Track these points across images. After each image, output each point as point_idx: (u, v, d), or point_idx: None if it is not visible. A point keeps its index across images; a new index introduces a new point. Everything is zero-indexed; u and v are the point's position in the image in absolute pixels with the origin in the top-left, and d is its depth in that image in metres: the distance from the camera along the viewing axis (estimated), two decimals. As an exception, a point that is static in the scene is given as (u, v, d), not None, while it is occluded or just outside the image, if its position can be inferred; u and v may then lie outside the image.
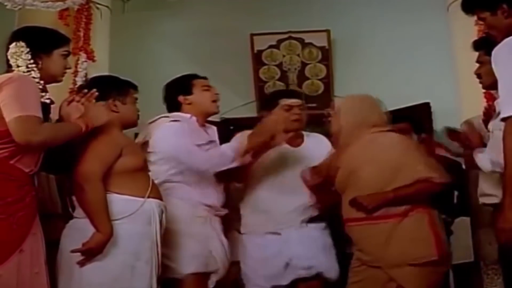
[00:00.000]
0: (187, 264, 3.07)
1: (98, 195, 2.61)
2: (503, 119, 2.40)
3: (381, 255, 3.03)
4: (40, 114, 2.44)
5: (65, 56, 2.72)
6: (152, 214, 2.73)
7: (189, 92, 3.32)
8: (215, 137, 3.38)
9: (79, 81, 4.47)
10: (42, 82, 2.57)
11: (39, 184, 2.74)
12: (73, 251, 2.57)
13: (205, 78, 3.43)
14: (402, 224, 3.03)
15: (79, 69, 4.58)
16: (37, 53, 2.60)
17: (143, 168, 2.83)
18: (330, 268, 3.38)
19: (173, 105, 3.34)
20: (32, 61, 2.57)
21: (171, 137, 3.15)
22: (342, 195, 3.21)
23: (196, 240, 3.12)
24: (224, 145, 3.25)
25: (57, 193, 3.16)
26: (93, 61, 4.74)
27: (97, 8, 4.92)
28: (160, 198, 2.83)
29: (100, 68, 4.72)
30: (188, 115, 3.28)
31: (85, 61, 4.65)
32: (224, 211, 3.31)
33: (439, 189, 3.01)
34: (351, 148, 3.18)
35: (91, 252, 2.58)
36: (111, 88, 2.91)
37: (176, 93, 3.33)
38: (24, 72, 2.54)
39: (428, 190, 3.03)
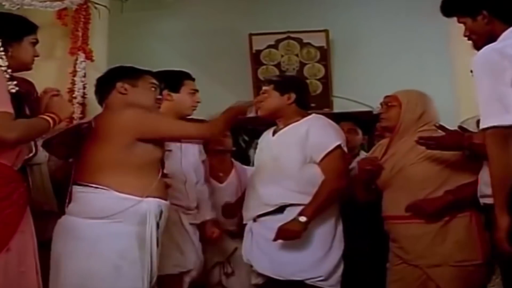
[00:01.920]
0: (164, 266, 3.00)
1: None
2: (483, 129, 2.43)
3: (423, 254, 3.04)
4: (10, 109, 2.38)
5: (34, 44, 2.65)
6: (148, 214, 2.65)
7: (177, 90, 3.29)
8: None
9: (78, 81, 4.47)
10: (9, 71, 2.49)
11: (33, 182, 2.72)
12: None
13: (193, 79, 3.40)
14: (449, 225, 3.04)
15: (78, 69, 4.56)
16: (8, 41, 2.52)
17: (158, 162, 2.77)
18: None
19: None
20: (1, 48, 2.49)
21: None
22: (385, 191, 3.20)
23: (166, 242, 3.03)
24: None
25: (52, 190, 3.14)
26: (92, 61, 4.72)
27: (96, 8, 4.91)
28: (164, 197, 2.76)
29: (99, 68, 4.70)
30: None
31: (84, 61, 4.64)
32: (194, 210, 3.27)
33: None
34: (402, 145, 3.16)
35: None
36: (121, 72, 2.90)
37: (163, 86, 3.25)
38: None
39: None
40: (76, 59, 4.63)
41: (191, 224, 3.25)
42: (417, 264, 3.08)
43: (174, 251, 3.12)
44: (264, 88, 3.44)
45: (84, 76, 4.55)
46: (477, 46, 2.61)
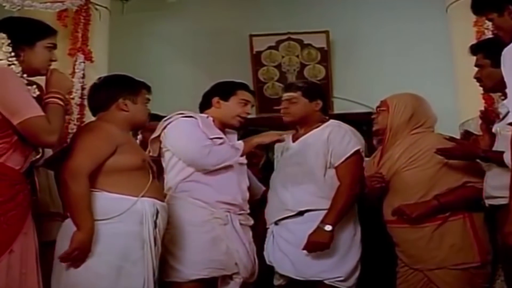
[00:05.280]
0: (198, 268, 3.03)
1: (81, 191, 2.53)
2: (510, 124, 2.39)
3: (421, 258, 3.06)
4: (41, 111, 2.41)
5: (50, 48, 2.60)
6: (144, 214, 2.65)
7: (226, 98, 3.30)
8: (234, 142, 3.33)
9: (77, 82, 4.48)
10: (25, 75, 2.47)
11: (40, 183, 2.72)
12: (60, 258, 2.53)
13: (252, 92, 3.43)
14: (443, 228, 3.04)
15: (77, 70, 4.57)
16: (19, 45, 2.48)
17: (141, 167, 2.74)
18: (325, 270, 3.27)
19: (205, 103, 3.34)
20: (13, 53, 2.45)
21: (183, 136, 3.14)
22: (384, 195, 3.21)
23: (211, 244, 3.07)
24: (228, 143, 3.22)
25: (58, 192, 3.13)
26: (91, 61, 4.74)
27: (96, 9, 4.92)
28: (159, 198, 2.76)
29: (99, 69, 4.73)
30: (205, 115, 3.27)
31: (83, 62, 4.65)
32: (247, 210, 3.26)
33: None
34: (395, 149, 3.17)
35: (78, 253, 2.52)
36: (122, 86, 2.85)
37: (214, 93, 3.32)
38: (4, 66, 2.43)
39: (472, 195, 2.98)
40: (76, 60, 4.64)
41: (242, 224, 3.23)
42: (417, 267, 3.09)
43: (220, 253, 3.08)
44: (290, 94, 3.44)
45: (83, 77, 4.56)
46: (506, 43, 2.59)
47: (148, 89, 2.92)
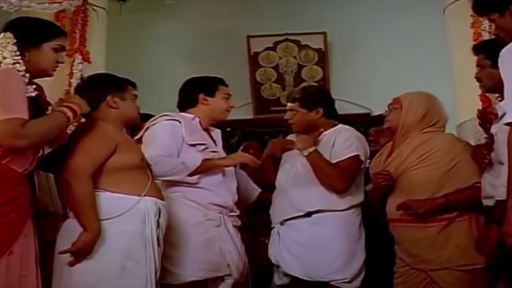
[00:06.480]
0: (193, 270, 3.04)
1: (85, 192, 2.53)
2: (508, 124, 2.38)
3: (424, 258, 3.05)
4: (24, 114, 2.35)
5: (57, 50, 2.60)
6: (146, 212, 2.65)
7: (212, 94, 3.33)
8: (219, 140, 3.39)
9: (75, 82, 4.47)
10: (28, 75, 2.45)
11: (39, 183, 2.71)
12: (61, 253, 2.54)
13: (227, 85, 3.45)
14: (449, 229, 3.04)
15: (74, 71, 4.57)
16: (25, 45, 2.49)
17: (140, 166, 2.76)
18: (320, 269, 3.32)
19: (190, 101, 3.34)
20: (18, 53, 2.45)
21: (149, 141, 3.15)
22: (389, 194, 3.21)
23: (205, 245, 3.09)
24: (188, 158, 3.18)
25: (57, 192, 3.14)
26: (89, 62, 4.73)
27: (94, 10, 4.92)
28: (160, 197, 2.77)
29: (97, 69, 4.72)
30: (191, 116, 3.27)
31: (81, 63, 4.65)
32: (237, 212, 3.30)
33: None
34: (405, 147, 3.16)
35: (80, 252, 2.54)
36: (109, 84, 2.85)
37: (199, 90, 3.33)
38: (9, 64, 2.42)
39: (480, 196, 2.93)
40: (73, 61, 4.64)
41: (233, 226, 3.27)
42: (420, 267, 3.09)
43: (214, 255, 3.12)
44: (290, 105, 3.53)
45: (81, 78, 4.56)
46: (506, 43, 2.58)
47: (133, 85, 2.92)
